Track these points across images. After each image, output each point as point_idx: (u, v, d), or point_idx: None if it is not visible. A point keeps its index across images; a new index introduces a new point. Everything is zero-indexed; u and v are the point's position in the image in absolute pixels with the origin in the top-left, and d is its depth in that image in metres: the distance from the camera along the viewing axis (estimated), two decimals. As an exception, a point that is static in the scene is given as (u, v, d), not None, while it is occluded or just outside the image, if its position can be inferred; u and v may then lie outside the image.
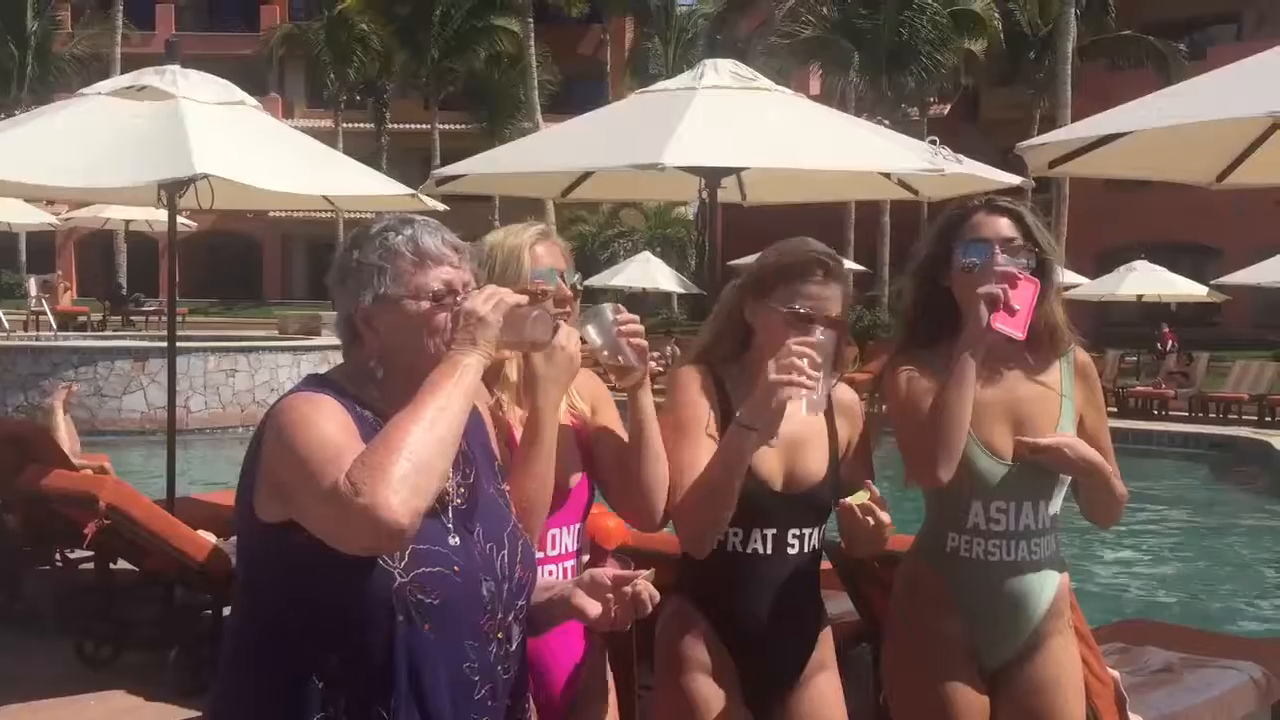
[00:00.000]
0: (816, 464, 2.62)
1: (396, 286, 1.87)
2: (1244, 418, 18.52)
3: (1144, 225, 30.46)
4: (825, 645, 2.69)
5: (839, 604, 3.77)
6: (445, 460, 1.72)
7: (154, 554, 5.28)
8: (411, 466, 1.65)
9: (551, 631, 2.15)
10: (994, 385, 2.63)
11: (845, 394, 2.73)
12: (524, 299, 1.91)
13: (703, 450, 2.50)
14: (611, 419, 2.56)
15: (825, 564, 3.48)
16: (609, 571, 1.98)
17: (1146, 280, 22.31)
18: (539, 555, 2.31)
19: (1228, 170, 4.67)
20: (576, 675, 2.47)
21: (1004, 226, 2.60)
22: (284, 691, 1.78)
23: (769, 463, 2.56)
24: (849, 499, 2.43)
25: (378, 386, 1.89)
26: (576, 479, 2.47)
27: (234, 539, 4.98)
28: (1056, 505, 2.68)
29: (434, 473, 1.68)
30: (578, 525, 2.50)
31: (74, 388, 10.60)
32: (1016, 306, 2.48)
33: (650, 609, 1.95)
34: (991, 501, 2.60)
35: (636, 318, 2.36)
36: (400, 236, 1.90)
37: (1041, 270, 2.60)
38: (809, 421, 2.57)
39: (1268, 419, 18.26)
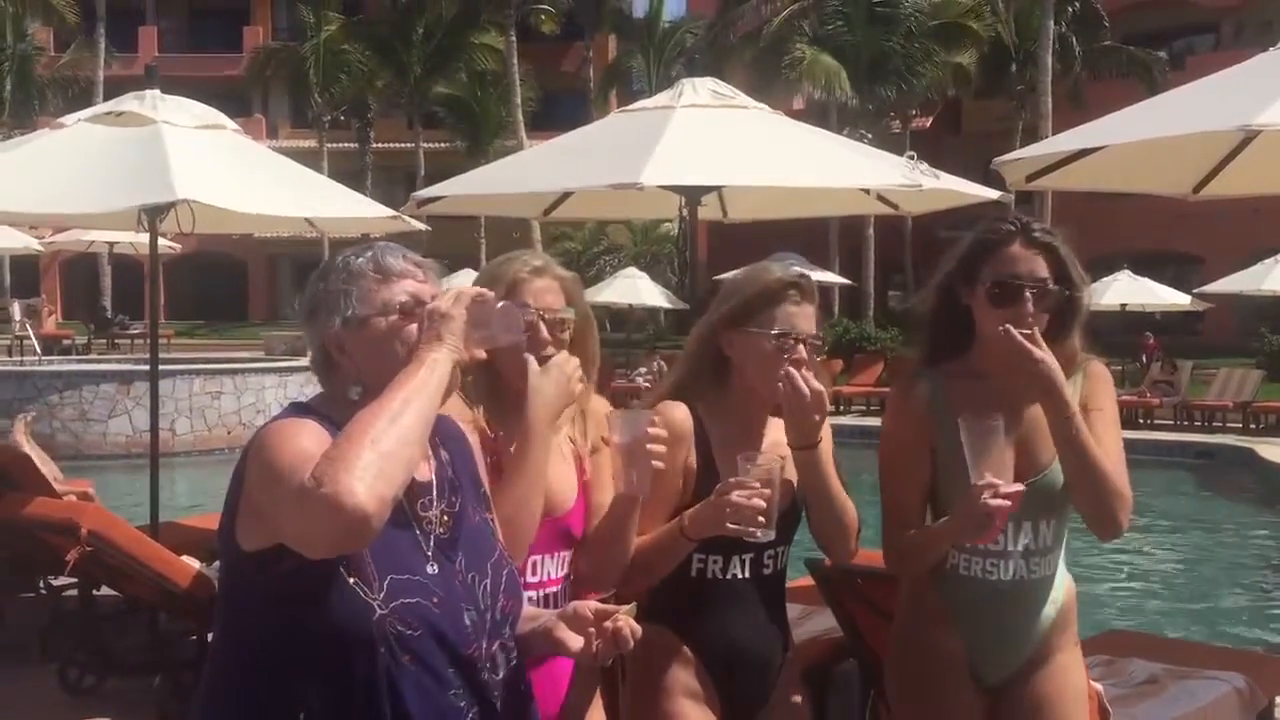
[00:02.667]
0: (785, 489, 2.57)
1: (363, 306, 1.88)
2: (1228, 425, 18.61)
3: (1126, 235, 30.59)
4: (794, 664, 2.72)
5: (823, 620, 3.77)
6: (412, 449, 1.70)
7: (137, 580, 5.25)
8: (375, 455, 1.63)
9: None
10: (1004, 404, 2.53)
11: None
12: (488, 292, 1.91)
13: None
14: (605, 476, 2.47)
15: (807, 580, 3.50)
16: (591, 605, 1.97)
17: (1129, 290, 22.43)
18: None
19: (1204, 181, 4.72)
20: (566, 697, 2.46)
21: (1038, 264, 2.50)
22: None
23: None
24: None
25: (358, 409, 1.86)
26: (567, 509, 2.42)
27: (217, 564, 4.98)
28: (1061, 525, 2.63)
29: (399, 461, 1.66)
30: (566, 554, 2.43)
31: (29, 417, 10.51)
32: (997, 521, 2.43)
33: (631, 644, 1.93)
34: None
35: (665, 434, 2.31)
36: (361, 259, 1.92)
37: (1070, 307, 2.54)
38: (776, 445, 2.59)
39: (1252, 426, 18.35)
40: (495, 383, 2.34)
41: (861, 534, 2.68)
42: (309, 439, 1.73)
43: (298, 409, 1.88)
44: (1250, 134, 3.90)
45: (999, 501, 2.34)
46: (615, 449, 2.31)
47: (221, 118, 6.01)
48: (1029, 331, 2.45)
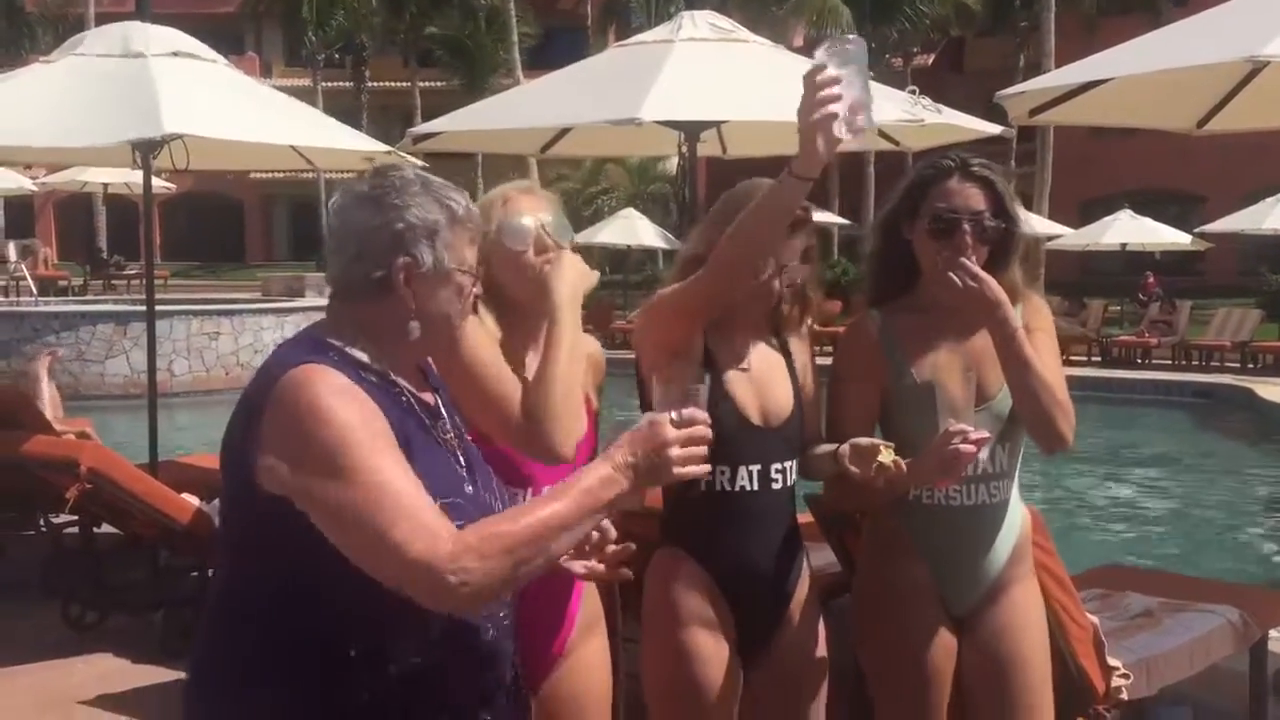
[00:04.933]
0: (785, 397, 2.64)
1: (451, 255, 1.82)
2: (1226, 365, 18.62)
3: (1128, 174, 30.44)
4: (807, 585, 2.71)
5: (822, 555, 3.77)
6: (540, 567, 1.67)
7: (137, 518, 5.28)
8: (513, 573, 1.62)
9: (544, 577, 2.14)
10: (950, 336, 2.65)
11: (806, 330, 2.78)
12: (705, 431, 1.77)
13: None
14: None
15: (807, 516, 3.50)
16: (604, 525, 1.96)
17: (1130, 229, 22.34)
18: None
19: (1208, 116, 4.66)
20: (571, 618, 2.50)
21: (975, 198, 2.57)
22: (309, 665, 1.72)
23: (745, 396, 2.58)
24: (881, 457, 2.40)
25: (392, 344, 1.82)
26: (576, 444, 2.37)
27: (216, 501, 5.00)
28: (1015, 448, 2.68)
29: (525, 578, 1.66)
30: None
31: (58, 353, 10.54)
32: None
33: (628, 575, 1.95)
34: None
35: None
36: (451, 202, 1.83)
37: (1007, 240, 2.59)
38: (770, 357, 2.64)
39: (1250, 366, 18.37)
40: (500, 296, 2.40)
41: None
42: (379, 439, 1.65)
43: (314, 346, 1.77)
44: (1258, 65, 3.85)
45: (967, 447, 2.37)
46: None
47: (213, 53, 5.94)
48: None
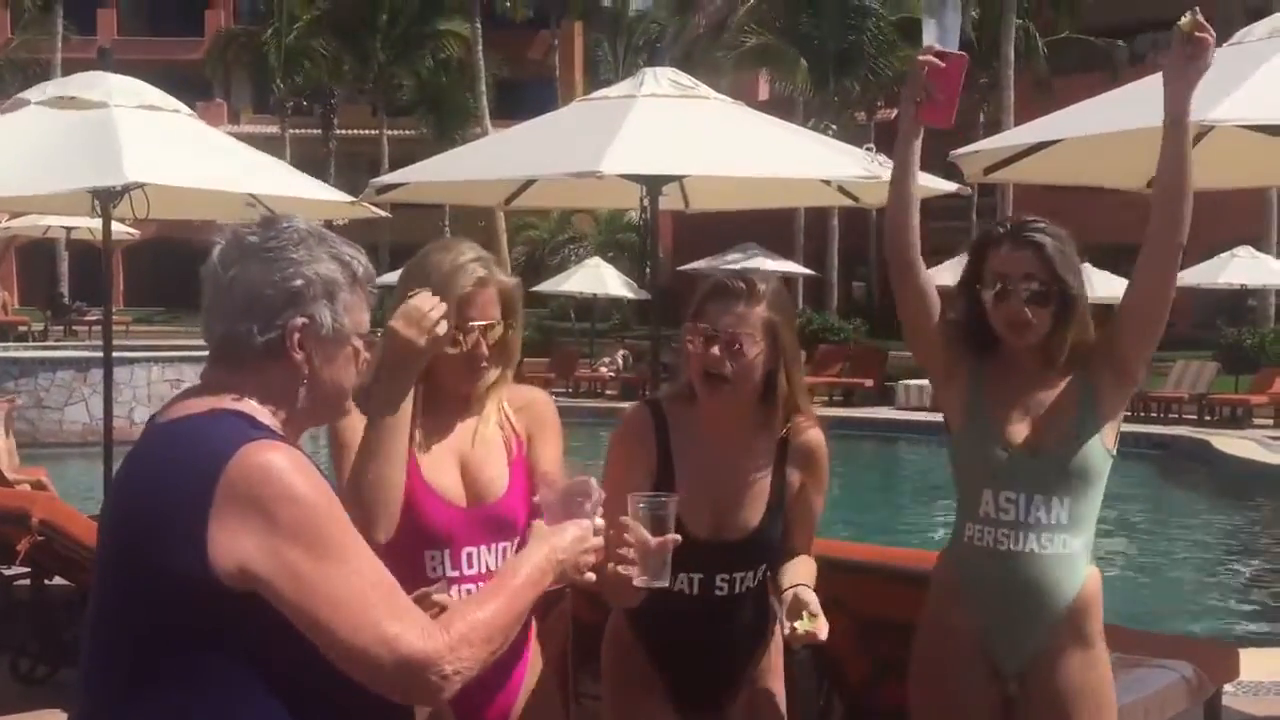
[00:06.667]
0: (750, 516, 2.60)
1: (349, 319, 1.70)
2: (1184, 417, 18.82)
3: (1086, 227, 30.71)
4: (768, 654, 2.72)
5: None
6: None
7: (89, 569, 5.19)
8: (488, 655, 1.62)
9: None
10: (1014, 379, 2.72)
11: (810, 440, 2.67)
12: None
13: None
14: (547, 458, 2.45)
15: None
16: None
17: (1089, 282, 22.57)
18: (455, 574, 2.33)
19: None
20: (522, 683, 2.48)
21: (1025, 263, 2.63)
22: None
23: (694, 513, 2.52)
24: (797, 624, 2.43)
25: (289, 410, 1.70)
26: (498, 496, 2.40)
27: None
28: (1078, 506, 2.69)
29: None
30: (504, 545, 2.39)
31: (16, 400, 10.42)
32: (940, 97, 2.59)
33: None
34: (1001, 491, 2.67)
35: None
36: (345, 260, 1.71)
37: (1063, 302, 2.65)
38: (746, 471, 2.59)
39: (1207, 418, 18.57)
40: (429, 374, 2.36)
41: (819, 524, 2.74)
42: (340, 510, 1.61)
43: (250, 421, 1.64)
44: (1203, 129, 3.94)
45: (927, 57, 2.55)
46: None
47: (176, 102, 5.94)
48: (942, 125, 2.63)
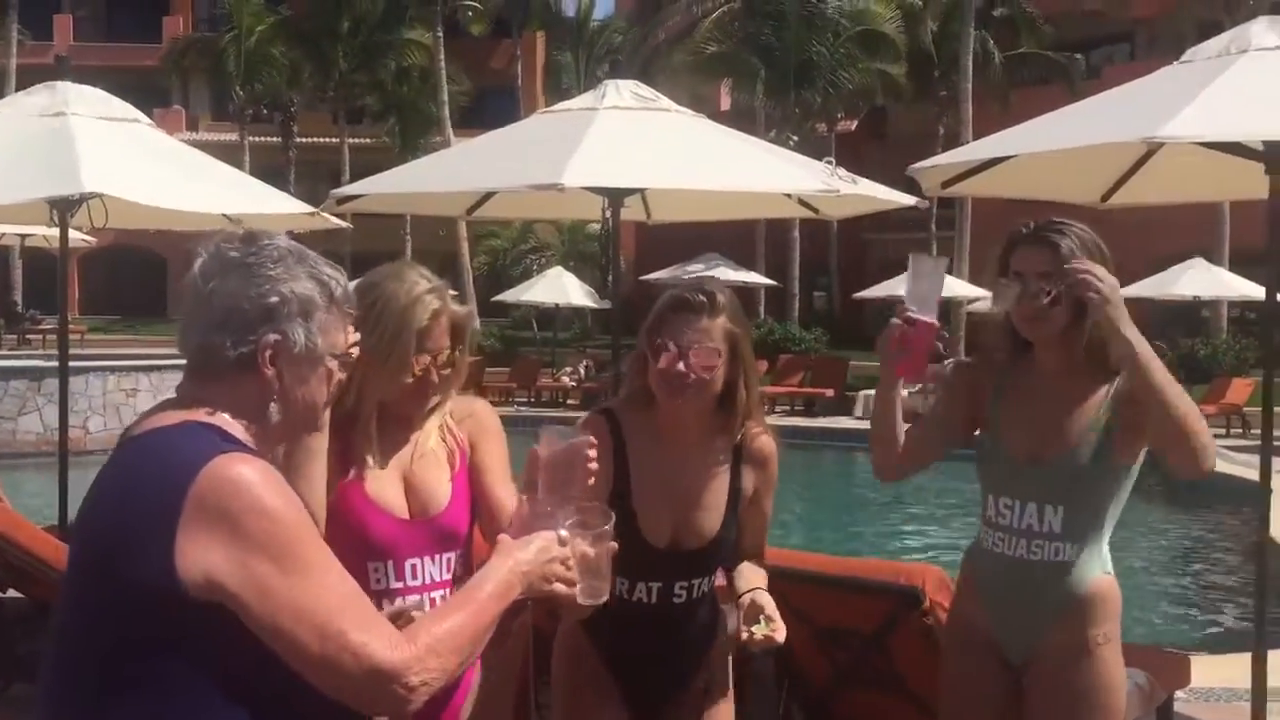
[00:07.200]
0: (709, 522, 2.65)
1: (323, 340, 1.71)
2: (1140, 426, 19.04)
3: (1045, 239, 31.06)
4: (714, 664, 2.77)
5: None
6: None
7: (42, 582, 5.13)
8: (459, 663, 1.65)
9: None
10: (1034, 388, 2.81)
11: (764, 446, 2.72)
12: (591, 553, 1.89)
13: None
14: (493, 464, 2.46)
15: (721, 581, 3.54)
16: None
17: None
18: (399, 585, 2.34)
19: (1111, 191, 4.84)
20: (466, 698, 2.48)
21: (1041, 260, 2.72)
22: None
23: (653, 523, 2.60)
24: (755, 628, 2.49)
25: (260, 425, 1.72)
26: (441, 508, 2.41)
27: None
28: (1075, 515, 2.75)
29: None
30: (449, 555, 2.41)
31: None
32: (913, 354, 2.66)
33: None
34: (1000, 497, 2.83)
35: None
36: (332, 279, 1.73)
37: (1077, 298, 2.66)
38: (703, 478, 2.64)
39: (1162, 428, 18.79)
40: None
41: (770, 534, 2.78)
42: (313, 532, 1.63)
43: (220, 434, 1.66)
44: (1154, 146, 4.02)
45: (897, 322, 2.63)
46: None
47: (135, 111, 5.89)
48: (918, 379, 2.86)
